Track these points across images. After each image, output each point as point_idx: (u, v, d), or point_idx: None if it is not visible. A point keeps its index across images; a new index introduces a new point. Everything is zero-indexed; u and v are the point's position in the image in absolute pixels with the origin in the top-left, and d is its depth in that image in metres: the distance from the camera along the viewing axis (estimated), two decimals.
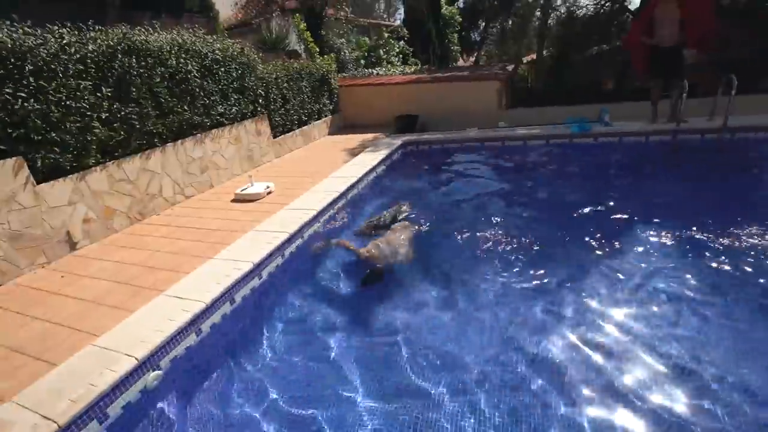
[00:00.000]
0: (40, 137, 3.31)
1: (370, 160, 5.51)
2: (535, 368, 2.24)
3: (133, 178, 4.19)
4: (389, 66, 13.00)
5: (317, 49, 9.52)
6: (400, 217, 4.01)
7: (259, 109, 6.19)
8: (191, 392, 2.25)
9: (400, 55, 14.75)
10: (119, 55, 3.96)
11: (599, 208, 4.02)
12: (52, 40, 3.43)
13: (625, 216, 3.84)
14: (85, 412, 1.80)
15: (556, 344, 2.40)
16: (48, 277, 3.17)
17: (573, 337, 2.43)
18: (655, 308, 2.62)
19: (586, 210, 4.01)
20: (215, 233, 3.71)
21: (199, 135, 5.04)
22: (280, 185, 4.91)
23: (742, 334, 2.36)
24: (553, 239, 3.61)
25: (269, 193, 4.63)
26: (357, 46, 14.02)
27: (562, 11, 13.26)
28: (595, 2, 10.78)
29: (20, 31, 3.25)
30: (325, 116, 8.38)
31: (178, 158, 4.76)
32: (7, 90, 3.08)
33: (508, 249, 3.47)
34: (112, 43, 3.92)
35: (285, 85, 6.88)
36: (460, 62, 18.57)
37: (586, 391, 2.07)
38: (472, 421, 1.97)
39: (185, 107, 4.79)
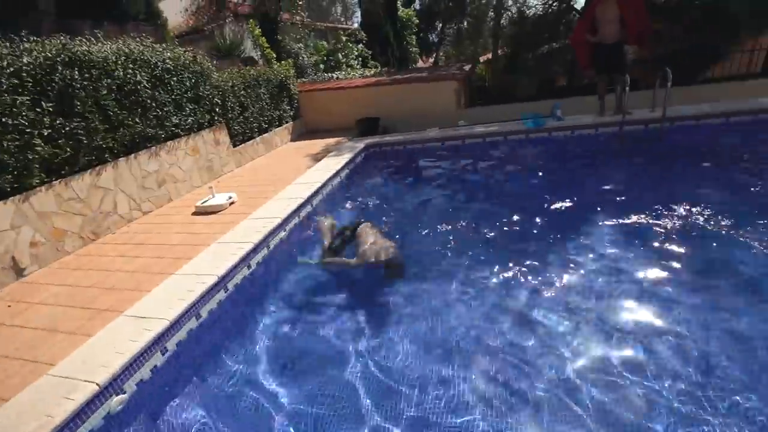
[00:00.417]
0: None
1: (333, 164, 5.50)
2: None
3: (83, 197, 3.98)
4: (349, 69, 12.99)
5: (274, 55, 9.38)
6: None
7: (216, 118, 6.04)
8: (159, 412, 2.17)
9: (360, 59, 14.80)
10: (59, 68, 3.75)
11: (557, 197, 4.21)
12: None
13: (582, 203, 4.07)
14: None
15: (512, 329, 2.56)
16: None
17: (528, 319, 2.61)
18: (606, 288, 2.80)
19: (545, 200, 4.19)
20: (176, 248, 3.59)
21: (153, 148, 4.85)
22: (243, 195, 4.81)
23: (689, 308, 2.56)
24: (516, 230, 3.77)
25: (232, 203, 4.52)
26: (315, 50, 13.93)
27: (513, 11, 13.73)
28: (543, 2, 11.22)
29: None
30: (286, 123, 8.28)
31: (132, 173, 4.56)
32: None
33: (471, 242, 3.59)
34: (50, 55, 3.71)
35: (242, 92, 6.74)
36: (420, 63, 18.84)
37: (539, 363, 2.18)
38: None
39: (136, 119, 4.60)
